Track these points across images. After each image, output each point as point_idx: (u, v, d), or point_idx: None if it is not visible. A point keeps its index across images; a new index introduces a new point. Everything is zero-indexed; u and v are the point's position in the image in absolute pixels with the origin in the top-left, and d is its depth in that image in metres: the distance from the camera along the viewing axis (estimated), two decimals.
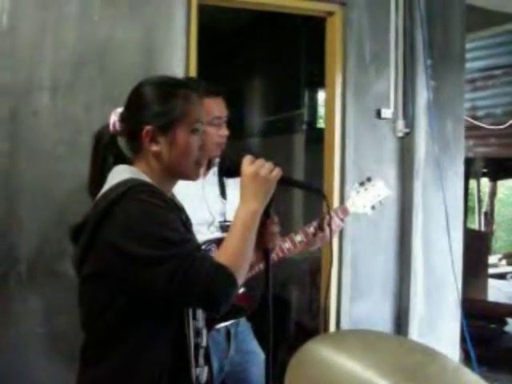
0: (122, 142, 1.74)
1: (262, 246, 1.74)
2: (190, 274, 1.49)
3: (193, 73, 3.21)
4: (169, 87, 1.70)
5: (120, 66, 3.02)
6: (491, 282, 8.84)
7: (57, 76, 2.93)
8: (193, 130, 1.67)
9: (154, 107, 1.65)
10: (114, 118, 1.73)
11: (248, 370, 2.67)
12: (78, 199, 1.77)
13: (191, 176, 1.73)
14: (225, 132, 2.44)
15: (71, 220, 1.66)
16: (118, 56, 3.03)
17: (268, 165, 1.67)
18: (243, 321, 2.68)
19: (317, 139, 4.45)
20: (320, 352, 1.53)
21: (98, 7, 2.99)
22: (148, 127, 1.64)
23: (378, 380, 1.43)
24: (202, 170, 1.74)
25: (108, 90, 2.97)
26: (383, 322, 3.77)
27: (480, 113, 5.84)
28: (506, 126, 5.43)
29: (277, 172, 1.68)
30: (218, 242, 2.36)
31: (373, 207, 2.59)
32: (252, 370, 2.67)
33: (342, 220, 2.57)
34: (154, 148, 1.65)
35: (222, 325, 2.53)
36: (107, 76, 3.01)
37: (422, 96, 3.86)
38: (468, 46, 4.65)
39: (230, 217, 2.51)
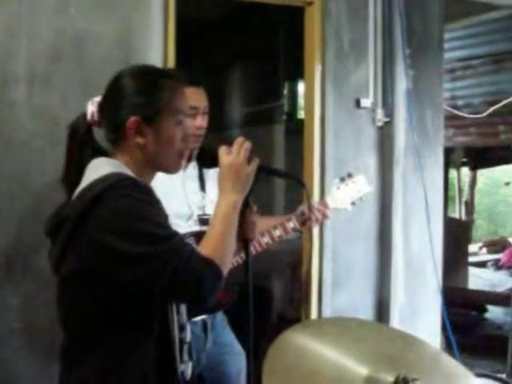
0: (98, 133, 1.71)
1: (242, 237, 1.73)
2: (179, 269, 1.48)
3: (171, 64, 3.18)
4: (153, 77, 1.67)
5: (97, 58, 2.98)
6: (472, 270, 8.93)
7: (33, 68, 2.88)
8: (177, 121, 1.65)
9: (139, 98, 1.62)
10: (91, 108, 1.68)
11: (225, 362, 2.68)
12: (56, 192, 1.73)
13: (173, 168, 1.71)
14: (201, 123, 2.40)
15: (49, 213, 1.64)
16: (95, 48, 2.99)
17: (244, 153, 1.65)
18: (219, 313, 2.68)
19: (297, 130, 4.45)
20: (299, 340, 1.54)
21: None
22: (133, 118, 1.61)
23: (358, 367, 1.44)
24: (183, 163, 1.72)
25: (85, 82, 2.93)
26: (364, 311, 3.79)
27: (459, 102, 5.88)
28: (485, 115, 5.47)
29: (254, 161, 1.67)
30: (196, 235, 2.35)
31: (353, 203, 2.60)
32: (229, 363, 2.68)
33: (323, 215, 2.55)
34: (139, 139, 1.62)
35: (199, 317, 2.52)
36: (84, 68, 2.97)
37: (401, 85, 3.87)
38: (447, 35, 4.66)
39: (209, 210, 2.50)
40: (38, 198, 2.83)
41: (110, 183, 1.52)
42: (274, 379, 1.36)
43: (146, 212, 1.53)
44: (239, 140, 1.67)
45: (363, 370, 1.43)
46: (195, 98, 2.36)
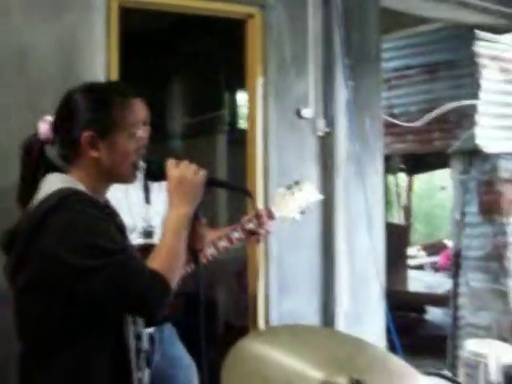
0: (51, 151, 1.72)
1: (191, 248, 1.75)
2: (126, 283, 1.51)
3: (114, 75, 3.18)
4: (104, 93, 1.71)
5: (39, 70, 2.96)
6: (411, 272, 9.15)
7: None
8: (130, 134, 1.68)
9: (91, 114, 1.65)
10: (44, 127, 1.71)
11: (174, 375, 2.66)
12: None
13: (129, 179, 1.74)
14: (142, 134, 2.38)
15: None
16: (38, 60, 2.96)
17: (193, 167, 1.70)
18: (168, 326, 2.67)
19: (238, 140, 4.49)
20: (254, 348, 1.56)
21: (18, 10, 2.92)
22: (87, 133, 1.63)
23: (311, 372, 1.48)
24: (137, 174, 1.74)
25: (27, 94, 2.90)
26: (310, 317, 3.84)
27: (396, 111, 6.04)
28: (420, 123, 5.64)
29: (202, 174, 1.70)
30: (140, 248, 2.34)
31: (302, 212, 2.53)
32: (178, 375, 2.67)
33: (267, 225, 2.51)
34: (94, 154, 1.65)
35: (146, 331, 2.51)
36: (26, 80, 2.94)
37: (341, 96, 3.96)
38: (383, 46, 4.80)
39: (154, 222, 2.50)
40: None
41: (62, 197, 1.55)
42: None
43: (93, 226, 1.55)
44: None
45: (318, 375, 1.47)
46: (138, 109, 2.36)
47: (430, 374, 2.30)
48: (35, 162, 1.71)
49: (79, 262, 1.50)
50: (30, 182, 1.70)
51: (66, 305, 1.55)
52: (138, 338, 1.71)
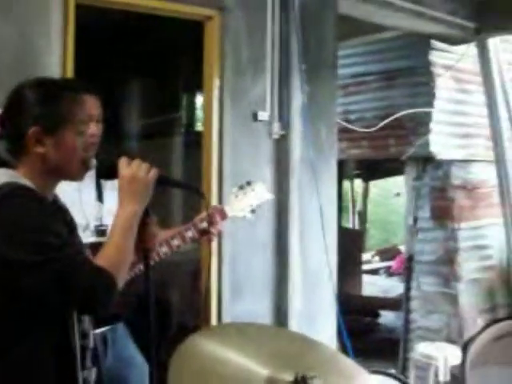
0: (0, 147, 1.71)
1: (142, 246, 1.76)
2: (70, 278, 1.51)
3: (70, 73, 3.15)
4: (54, 88, 1.70)
5: None
6: (365, 277, 9.28)
7: None
8: (78, 131, 1.68)
9: (39, 109, 1.64)
10: None
11: (127, 376, 2.64)
12: None
13: (76, 176, 1.73)
14: (94, 130, 2.38)
15: None
16: None
17: (144, 166, 1.70)
18: (121, 326, 2.66)
19: (195, 142, 4.49)
20: (202, 345, 1.57)
21: None
22: (34, 128, 1.63)
23: (259, 369, 1.49)
24: (85, 173, 1.74)
25: None
26: (263, 318, 3.86)
27: (352, 116, 6.10)
28: (375, 129, 5.72)
29: (154, 172, 1.71)
30: (92, 246, 2.34)
31: (252, 211, 2.58)
32: (131, 376, 2.66)
33: (219, 224, 2.56)
34: (40, 149, 1.64)
35: (98, 331, 2.50)
36: None
37: (297, 100, 4.00)
38: (341, 53, 4.86)
39: (106, 220, 2.49)
40: None
41: (4, 192, 1.54)
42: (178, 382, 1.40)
43: (37, 221, 1.55)
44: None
45: (264, 371, 1.49)
46: (90, 105, 2.36)
47: (376, 372, 2.34)
48: None
49: (24, 257, 1.49)
50: None
51: (11, 302, 1.54)
52: (84, 336, 1.70)
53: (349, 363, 1.77)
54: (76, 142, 1.67)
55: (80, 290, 1.52)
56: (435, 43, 5.67)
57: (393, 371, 2.73)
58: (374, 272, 10.95)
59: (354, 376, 1.72)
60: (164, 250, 2.44)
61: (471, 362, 2.11)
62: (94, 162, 1.73)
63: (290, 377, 1.47)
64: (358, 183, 12.08)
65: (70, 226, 1.77)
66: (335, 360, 1.78)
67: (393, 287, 9.31)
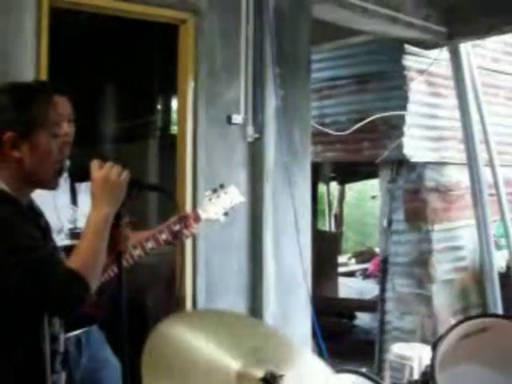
0: None
1: (114, 249, 1.77)
2: (41, 280, 1.52)
3: (44, 76, 3.14)
4: (26, 93, 1.70)
5: None
6: (342, 279, 9.33)
7: None
8: (53, 134, 1.69)
9: (13, 113, 1.65)
10: None
11: (103, 378, 2.65)
12: None
13: (50, 183, 1.75)
14: (66, 130, 2.38)
15: None
16: None
17: (116, 168, 1.71)
18: (95, 329, 2.66)
19: (170, 145, 4.49)
20: (177, 331, 1.56)
21: None
22: (8, 133, 1.63)
23: (231, 362, 1.50)
24: (60, 180, 1.74)
25: None
26: None
27: (327, 120, 6.15)
28: (349, 132, 5.77)
29: (125, 175, 1.72)
30: (66, 249, 2.34)
31: (225, 213, 2.59)
32: (107, 379, 2.66)
33: (192, 227, 2.57)
34: (16, 154, 1.65)
35: (72, 334, 2.50)
36: None
37: (271, 103, 4.03)
38: (315, 57, 4.91)
39: (80, 224, 2.49)
40: None
41: None
42: (152, 370, 1.41)
43: (11, 223, 1.56)
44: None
45: (235, 365, 1.49)
46: (60, 106, 2.36)
47: (348, 371, 2.37)
48: None
49: None
50: None
51: None
52: (54, 340, 1.71)
53: (317, 362, 1.79)
54: (50, 145, 1.68)
55: (52, 291, 1.53)
56: (408, 47, 5.75)
57: (364, 370, 2.76)
58: (351, 274, 11.02)
59: (321, 374, 1.74)
60: (138, 252, 2.45)
61: (441, 361, 2.15)
62: (67, 163, 1.74)
63: (260, 373, 1.48)
64: (334, 186, 12.15)
65: (45, 230, 1.77)
66: (304, 359, 1.80)
67: (369, 289, 9.36)
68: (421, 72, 5.84)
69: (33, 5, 3.12)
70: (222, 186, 2.61)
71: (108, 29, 4.72)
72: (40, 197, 2.03)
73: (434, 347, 2.22)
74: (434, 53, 5.79)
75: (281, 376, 1.47)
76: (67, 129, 1.73)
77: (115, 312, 1.87)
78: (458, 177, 6.12)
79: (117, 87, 6.02)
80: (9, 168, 1.67)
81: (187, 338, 1.55)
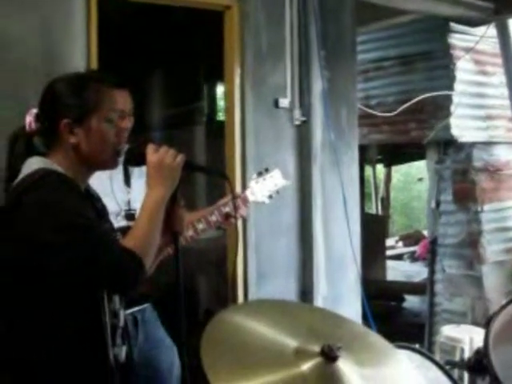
0: (37, 141, 1.80)
1: (170, 230, 1.82)
2: (99, 258, 1.59)
3: (94, 66, 3.20)
4: (80, 81, 1.77)
5: (18, 60, 2.97)
6: (389, 262, 9.27)
7: None
8: (107, 119, 1.74)
9: (68, 101, 1.73)
10: (29, 119, 1.80)
11: (156, 357, 2.72)
12: None
13: (110, 165, 1.81)
14: (127, 125, 2.46)
15: None
16: (16, 51, 2.96)
17: (171, 152, 1.76)
18: (150, 308, 2.73)
19: (217, 132, 4.53)
20: (236, 318, 1.60)
21: None
22: (65, 120, 1.71)
23: (288, 340, 1.53)
24: (119, 160, 1.80)
25: (5, 85, 2.92)
26: None
27: (373, 102, 6.10)
28: (396, 113, 5.72)
29: (180, 158, 1.77)
30: (122, 230, 2.40)
31: (270, 196, 2.65)
32: (161, 358, 2.73)
33: (242, 209, 2.61)
34: (73, 140, 1.72)
35: (128, 311, 2.57)
36: (4, 71, 2.96)
37: (317, 86, 4.02)
38: (360, 38, 4.87)
39: (134, 205, 2.56)
40: None
41: (37, 177, 1.63)
42: (211, 350, 1.45)
43: (68, 203, 1.63)
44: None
45: (293, 343, 1.53)
46: (122, 100, 2.42)
47: (400, 346, 2.37)
48: (22, 153, 1.77)
49: (50, 237, 1.57)
50: (15, 169, 1.75)
51: (40, 282, 1.61)
52: (115, 315, 1.76)
53: (377, 339, 1.80)
54: (105, 130, 1.74)
55: (108, 269, 1.60)
56: (454, 26, 5.64)
57: (417, 346, 2.76)
58: (398, 257, 10.94)
59: (383, 350, 1.75)
60: (190, 233, 2.49)
61: (494, 339, 2.14)
62: (125, 147, 1.79)
63: (317, 348, 1.51)
64: (380, 169, 12.05)
65: (101, 212, 1.83)
66: (365, 335, 1.81)
67: (417, 272, 9.30)
68: (467, 50, 5.72)
69: None
70: (267, 170, 2.66)
71: (155, 17, 4.77)
72: (98, 180, 2.10)
73: (487, 324, 2.21)
74: (480, 30, 5.66)
75: (338, 348, 1.48)
76: (128, 124, 1.79)
77: (170, 292, 1.92)
78: (507, 156, 6.01)
79: (163, 74, 6.09)
80: (66, 154, 1.74)
81: (245, 324, 1.58)
